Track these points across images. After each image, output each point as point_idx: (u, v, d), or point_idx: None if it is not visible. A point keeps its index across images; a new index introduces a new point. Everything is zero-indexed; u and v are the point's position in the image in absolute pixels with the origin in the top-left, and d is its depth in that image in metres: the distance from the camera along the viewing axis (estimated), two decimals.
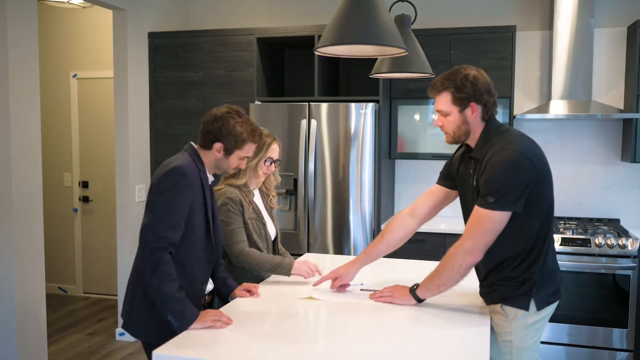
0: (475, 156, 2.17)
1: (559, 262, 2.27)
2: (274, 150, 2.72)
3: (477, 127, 2.17)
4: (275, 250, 2.84)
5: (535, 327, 2.15)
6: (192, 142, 2.28)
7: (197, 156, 2.23)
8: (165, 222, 2.06)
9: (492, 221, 2.04)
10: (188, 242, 2.16)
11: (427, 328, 2.03)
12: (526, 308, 2.11)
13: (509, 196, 2.01)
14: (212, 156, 2.24)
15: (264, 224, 2.72)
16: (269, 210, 2.86)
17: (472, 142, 2.21)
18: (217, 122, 2.21)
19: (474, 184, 2.16)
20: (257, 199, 2.79)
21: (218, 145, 2.22)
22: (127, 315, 2.24)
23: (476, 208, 2.08)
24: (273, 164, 2.73)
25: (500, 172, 2.02)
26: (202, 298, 2.29)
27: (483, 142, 2.15)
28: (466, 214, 2.28)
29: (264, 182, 2.82)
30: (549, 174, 2.13)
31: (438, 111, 2.20)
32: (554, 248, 2.21)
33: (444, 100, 2.16)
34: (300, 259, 2.81)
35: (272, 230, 2.80)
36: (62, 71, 5.55)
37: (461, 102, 2.13)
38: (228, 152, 2.24)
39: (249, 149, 2.28)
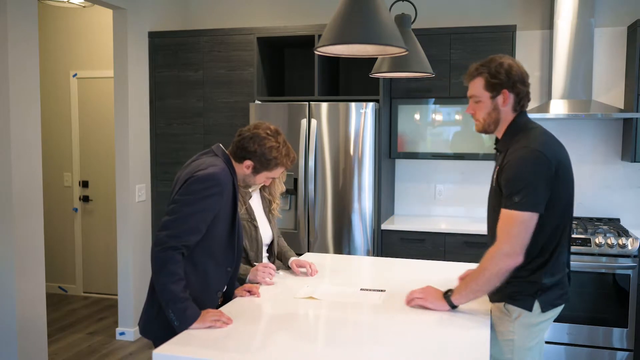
0: (499, 148, 2.17)
1: None
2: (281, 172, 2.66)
3: (507, 117, 2.16)
4: (271, 254, 2.80)
5: (538, 327, 2.13)
6: (221, 146, 2.27)
7: (229, 163, 2.23)
8: (186, 225, 2.05)
9: (523, 221, 2.00)
10: (206, 247, 2.16)
11: (427, 327, 2.03)
12: (529, 309, 2.09)
13: (534, 194, 1.99)
14: (240, 169, 2.26)
15: (256, 227, 2.67)
16: (268, 214, 2.81)
17: (500, 134, 2.20)
18: (253, 142, 2.22)
19: (495, 177, 2.15)
20: (256, 201, 2.75)
21: (248, 163, 2.24)
22: (142, 313, 2.26)
23: (504, 211, 2.04)
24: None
25: (521, 171, 2.00)
26: (215, 306, 2.26)
27: (509, 136, 2.14)
28: (488, 210, 2.24)
29: (268, 188, 2.78)
30: (566, 175, 2.09)
31: (470, 97, 2.20)
32: (567, 252, 2.16)
33: (477, 86, 2.16)
34: (300, 258, 2.81)
35: (266, 235, 2.74)
36: (62, 71, 5.55)
37: (493, 88, 2.13)
38: (257, 171, 2.26)
39: (278, 171, 2.31)
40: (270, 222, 2.80)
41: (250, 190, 2.69)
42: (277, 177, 2.37)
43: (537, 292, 2.09)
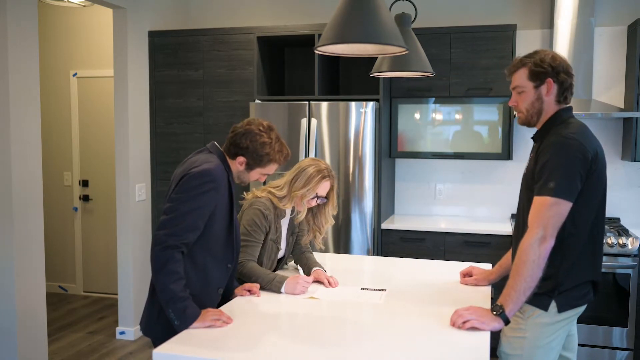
0: (536, 138, 2.16)
1: None
2: (324, 187, 2.61)
3: (549, 109, 2.15)
4: (276, 270, 2.80)
5: (554, 327, 2.09)
6: (216, 144, 2.27)
7: (224, 160, 2.23)
8: (184, 223, 2.05)
9: (555, 206, 1.97)
10: (204, 244, 2.16)
11: (428, 326, 2.03)
12: (545, 309, 2.06)
13: (569, 182, 1.97)
14: (234, 166, 2.26)
15: (278, 249, 2.68)
16: (289, 237, 2.78)
17: (539, 125, 2.18)
18: (245, 138, 2.21)
19: (529, 165, 2.15)
20: (284, 222, 2.72)
21: (241, 159, 2.23)
22: (143, 312, 2.27)
23: (537, 198, 2.01)
24: (316, 199, 2.62)
25: (558, 158, 1.99)
26: (216, 303, 2.28)
27: (549, 126, 2.12)
28: (520, 200, 2.22)
29: (315, 220, 2.74)
30: (601, 169, 2.06)
31: (513, 89, 2.19)
32: (593, 253, 2.11)
33: (521, 76, 2.15)
34: (321, 270, 2.69)
35: (281, 253, 2.75)
36: (62, 70, 5.54)
37: (537, 77, 2.12)
38: (250, 167, 2.25)
39: (272, 168, 2.28)
40: (288, 244, 2.79)
41: (298, 217, 2.66)
42: (271, 173, 2.32)
43: (553, 291, 2.05)
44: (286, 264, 2.87)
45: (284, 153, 2.29)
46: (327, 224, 2.75)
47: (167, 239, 2.03)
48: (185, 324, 1.99)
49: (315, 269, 2.66)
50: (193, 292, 2.11)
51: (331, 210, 2.73)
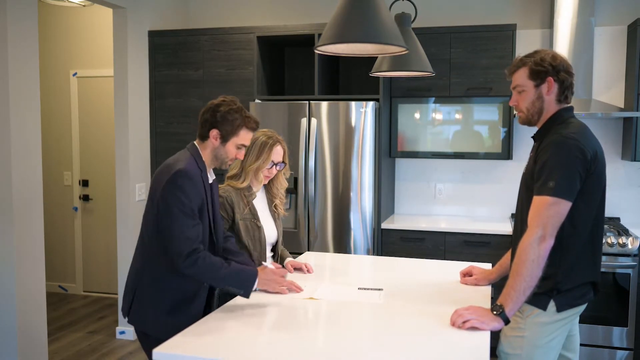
0: (536, 137, 2.17)
1: None
2: (277, 153, 2.64)
3: (550, 108, 2.15)
4: (276, 254, 2.81)
5: (553, 326, 2.09)
6: (194, 142, 2.30)
7: (198, 155, 2.26)
8: (187, 225, 2.11)
9: (554, 206, 1.97)
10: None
11: (428, 326, 2.03)
12: (543, 308, 2.07)
13: (569, 182, 1.97)
14: (210, 145, 2.27)
15: (259, 227, 2.65)
16: (274, 214, 2.78)
17: (540, 124, 2.18)
18: (212, 111, 2.25)
19: (529, 165, 2.15)
20: (260, 201, 2.73)
21: (214, 132, 2.25)
22: (129, 307, 2.28)
23: (537, 197, 2.01)
24: (275, 167, 2.65)
25: (557, 157, 1.99)
26: (213, 297, 2.36)
27: (549, 125, 2.13)
28: (519, 199, 2.23)
29: (269, 189, 2.77)
30: (600, 169, 2.07)
31: (514, 88, 2.19)
32: (593, 253, 2.12)
33: (521, 75, 2.16)
34: (300, 257, 2.81)
35: (271, 235, 2.72)
36: (62, 70, 5.55)
37: (538, 75, 2.12)
38: (224, 139, 2.26)
39: (244, 136, 2.29)
40: (275, 221, 2.79)
41: (254, 191, 2.68)
42: (247, 144, 2.32)
43: (552, 290, 2.05)
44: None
45: (252, 119, 2.30)
46: (283, 188, 2.80)
47: (185, 248, 2.09)
48: (248, 287, 2.17)
49: (288, 259, 2.78)
50: (196, 287, 2.20)
51: (286, 173, 2.78)
